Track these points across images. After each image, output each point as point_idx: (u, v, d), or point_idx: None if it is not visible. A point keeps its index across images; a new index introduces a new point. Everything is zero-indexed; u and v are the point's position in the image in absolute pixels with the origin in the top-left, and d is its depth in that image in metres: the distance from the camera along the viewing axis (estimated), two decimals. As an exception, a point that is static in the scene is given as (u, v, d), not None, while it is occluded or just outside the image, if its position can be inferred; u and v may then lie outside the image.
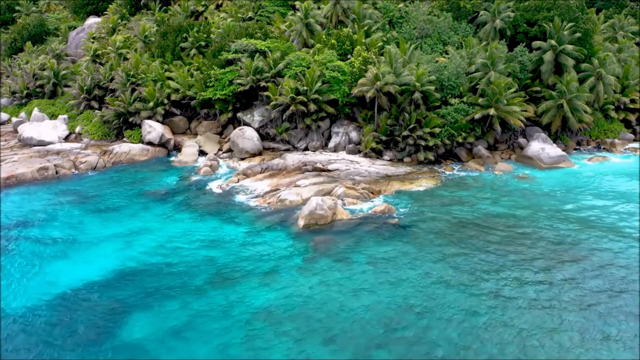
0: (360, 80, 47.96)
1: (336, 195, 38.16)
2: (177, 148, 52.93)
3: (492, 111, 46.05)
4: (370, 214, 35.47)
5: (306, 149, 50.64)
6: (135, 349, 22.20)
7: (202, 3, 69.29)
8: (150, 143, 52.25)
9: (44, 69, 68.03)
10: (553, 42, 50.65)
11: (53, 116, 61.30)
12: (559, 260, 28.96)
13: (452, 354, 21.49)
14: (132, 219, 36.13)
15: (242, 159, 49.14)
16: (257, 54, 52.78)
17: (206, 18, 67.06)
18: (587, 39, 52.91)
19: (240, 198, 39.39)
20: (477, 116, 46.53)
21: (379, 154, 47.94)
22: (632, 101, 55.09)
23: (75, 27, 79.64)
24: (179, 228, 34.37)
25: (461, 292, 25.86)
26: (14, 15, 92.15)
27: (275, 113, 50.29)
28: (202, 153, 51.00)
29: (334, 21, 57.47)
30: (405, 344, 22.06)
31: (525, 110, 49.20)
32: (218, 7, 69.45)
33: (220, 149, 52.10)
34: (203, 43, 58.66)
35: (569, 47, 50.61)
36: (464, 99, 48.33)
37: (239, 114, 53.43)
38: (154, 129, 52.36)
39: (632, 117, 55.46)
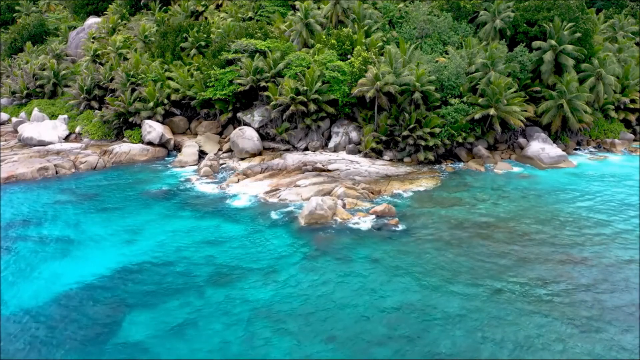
0: (360, 80, 47.98)
1: (336, 195, 38.16)
2: (177, 148, 52.95)
3: (492, 111, 46.07)
4: (370, 214, 35.47)
5: (306, 149, 50.65)
6: (136, 347, 22.18)
7: (202, 3, 69.33)
8: (150, 143, 52.26)
9: (44, 69, 68.07)
10: (553, 42, 50.69)
11: (53, 116, 61.34)
12: (560, 261, 28.97)
13: (453, 352, 21.48)
14: (132, 218, 36.13)
15: (242, 159, 49.16)
16: (257, 54, 52.80)
17: (206, 18, 67.11)
18: (587, 39, 52.98)
19: (240, 198, 39.39)
20: (477, 116, 46.56)
21: (379, 154, 47.95)
22: (632, 101, 55.20)
23: (75, 27, 79.73)
24: (180, 227, 34.36)
25: (462, 291, 25.86)
26: (14, 15, 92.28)
27: (275, 113, 50.29)
28: (202, 153, 50.97)
29: (334, 21, 57.49)
30: (406, 343, 22.05)
31: (525, 110, 49.26)
32: (218, 7, 69.51)
33: (220, 149, 52.11)
34: (203, 43, 58.68)
35: (569, 47, 50.67)
36: (464, 99, 48.36)
37: (239, 114, 53.45)
38: (154, 129, 52.37)
39: (632, 117, 55.58)
